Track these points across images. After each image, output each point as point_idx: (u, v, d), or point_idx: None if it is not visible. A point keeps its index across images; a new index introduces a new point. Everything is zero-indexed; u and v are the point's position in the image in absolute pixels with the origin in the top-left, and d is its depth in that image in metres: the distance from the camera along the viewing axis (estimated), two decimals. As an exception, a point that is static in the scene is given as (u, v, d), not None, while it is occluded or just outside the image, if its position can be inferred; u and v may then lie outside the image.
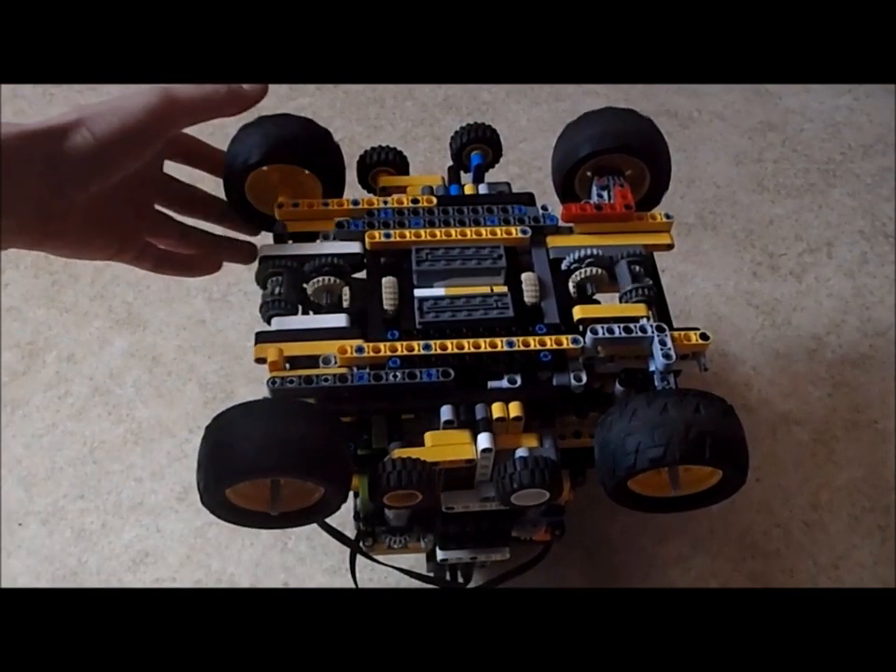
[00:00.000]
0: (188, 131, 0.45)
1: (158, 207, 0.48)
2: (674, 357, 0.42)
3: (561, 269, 0.47)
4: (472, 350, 0.42)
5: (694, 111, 0.98)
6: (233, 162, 0.49)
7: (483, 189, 0.52)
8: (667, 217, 0.48)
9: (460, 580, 0.57)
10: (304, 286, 0.46)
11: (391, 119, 0.98)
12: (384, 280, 0.45)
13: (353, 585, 0.56)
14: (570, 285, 0.46)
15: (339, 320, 0.44)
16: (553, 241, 0.48)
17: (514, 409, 0.42)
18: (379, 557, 0.54)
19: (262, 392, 0.41)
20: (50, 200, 0.37)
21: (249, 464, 0.36)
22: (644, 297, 0.45)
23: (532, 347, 0.42)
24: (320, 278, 0.45)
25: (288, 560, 0.66)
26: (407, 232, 0.47)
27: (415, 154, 0.91)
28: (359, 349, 0.41)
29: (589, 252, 0.46)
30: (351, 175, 0.52)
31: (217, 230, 0.51)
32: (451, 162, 0.54)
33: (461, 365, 0.42)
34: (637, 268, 0.46)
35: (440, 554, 0.52)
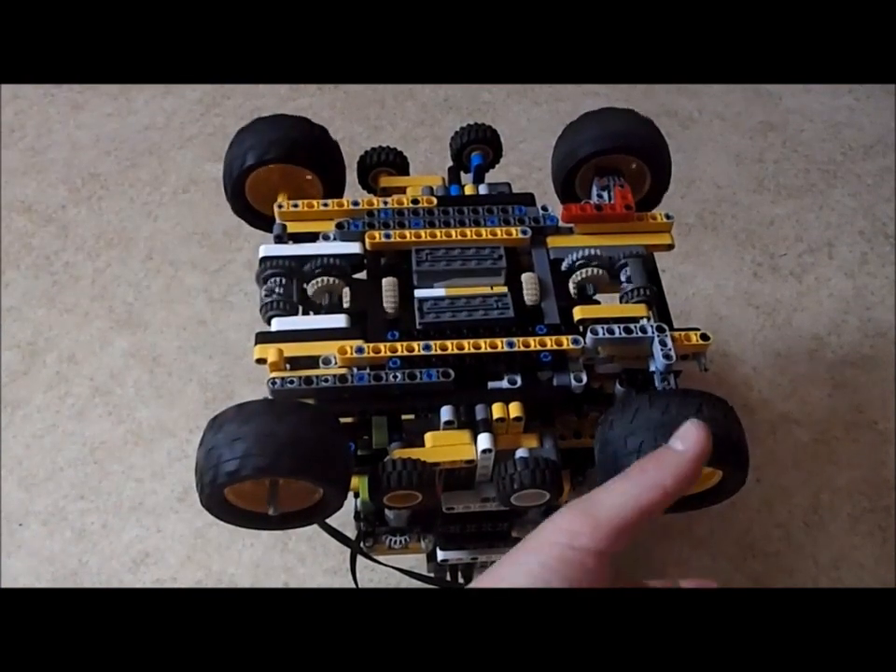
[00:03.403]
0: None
1: None
2: (674, 357, 0.41)
3: (561, 269, 0.47)
4: (472, 350, 0.42)
5: (695, 111, 0.98)
6: (233, 163, 0.49)
7: (483, 189, 0.52)
8: (668, 217, 0.48)
9: (461, 580, 0.57)
10: (305, 286, 0.46)
11: (391, 120, 0.98)
12: (384, 280, 0.45)
13: (353, 585, 0.56)
14: (570, 285, 0.46)
15: (339, 321, 0.44)
16: (554, 241, 0.48)
17: (514, 409, 0.42)
18: (379, 558, 0.54)
19: (262, 392, 0.41)
20: None
21: (248, 464, 0.36)
22: (644, 297, 0.45)
23: (532, 348, 0.42)
24: (320, 279, 0.45)
25: (289, 560, 0.66)
26: (407, 233, 0.47)
27: (416, 154, 0.90)
28: (359, 350, 0.41)
29: (589, 252, 0.46)
30: (351, 176, 0.52)
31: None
32: (451, 163, 0.54)
33: (461, 365, 0.42)
34: (638, 268, 0.46)
35: (440, 555, 0.52)
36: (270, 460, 0.36)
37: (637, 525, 0.30)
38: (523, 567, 0.31)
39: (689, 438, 0.32)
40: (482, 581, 0.33)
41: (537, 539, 0.31)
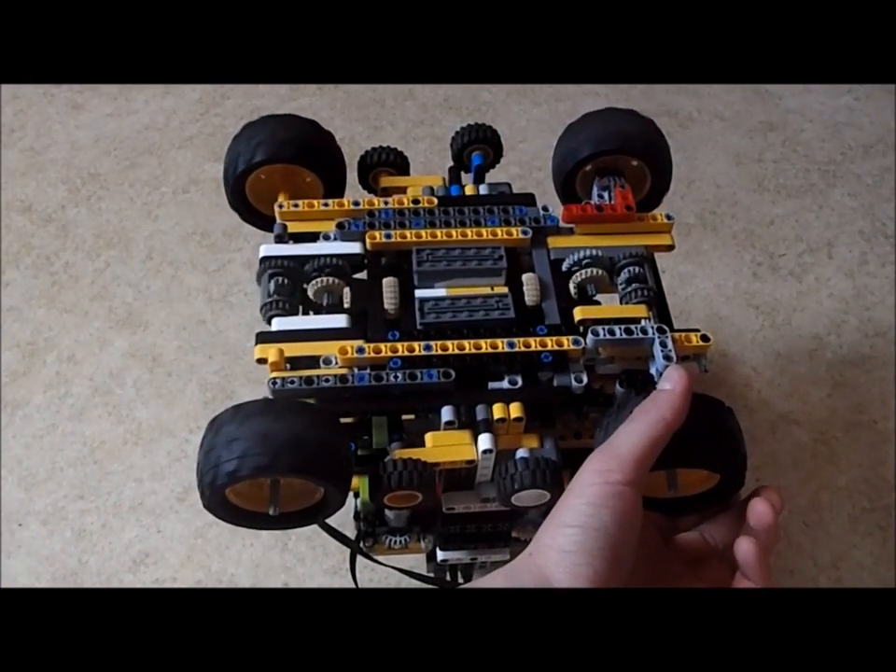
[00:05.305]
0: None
1: None
2: (675, 358, 0.41)
3: (562, 270, 0.47)
4: (473, 351, 0.42)
5: (694, 111, 0.98)
6: (234, 162, 0.49)
7: (483, 189, 0.52)
8: (668, 217, 0.48)
9: (460, 580, 0.57)
10: (305, 286, 0.46)
11: (391, 120, 0.98)
12: (384, 281, 0.44)
13: (353, 585, 0.56)
14: (571, 286, 0.46)
15: (339, 321, 0.44)
16: (554, 242, 0.48)
17: (515, 410, 0.42)
18: (379, 558, 0.54)
19: (263, 392, 0.41)
20: None
21: (247, 464, 0.36)
22: (645, 298, 0.45)
23: (533, 348, 0.42)
24: (321, 278, 0.45)
25: (289, 560, 0.66)
26: (408, 233, 0.47)
27: (416, 154, 0.91)
28: (360, 350, 0.41)
29: (590, 253, 0.46)
30: (351, 176, 0.52)
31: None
32: (451, 163, 0.54)
33: (462, 366, 0.42)
34: (638, 269, 0.46)
35: (440, 555, 0.52)
36: (268, 459, 0.36)
37: (651, 454, 0.37)
38: (572, 511, 0.36)
39: (673, 378, 0.38)
40: (541, 538, 0.36)
41: (577, 486, 0.36)
